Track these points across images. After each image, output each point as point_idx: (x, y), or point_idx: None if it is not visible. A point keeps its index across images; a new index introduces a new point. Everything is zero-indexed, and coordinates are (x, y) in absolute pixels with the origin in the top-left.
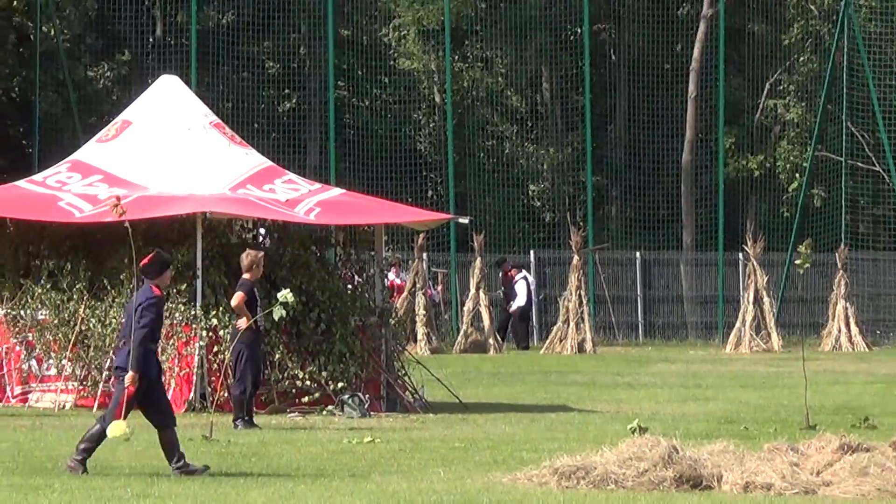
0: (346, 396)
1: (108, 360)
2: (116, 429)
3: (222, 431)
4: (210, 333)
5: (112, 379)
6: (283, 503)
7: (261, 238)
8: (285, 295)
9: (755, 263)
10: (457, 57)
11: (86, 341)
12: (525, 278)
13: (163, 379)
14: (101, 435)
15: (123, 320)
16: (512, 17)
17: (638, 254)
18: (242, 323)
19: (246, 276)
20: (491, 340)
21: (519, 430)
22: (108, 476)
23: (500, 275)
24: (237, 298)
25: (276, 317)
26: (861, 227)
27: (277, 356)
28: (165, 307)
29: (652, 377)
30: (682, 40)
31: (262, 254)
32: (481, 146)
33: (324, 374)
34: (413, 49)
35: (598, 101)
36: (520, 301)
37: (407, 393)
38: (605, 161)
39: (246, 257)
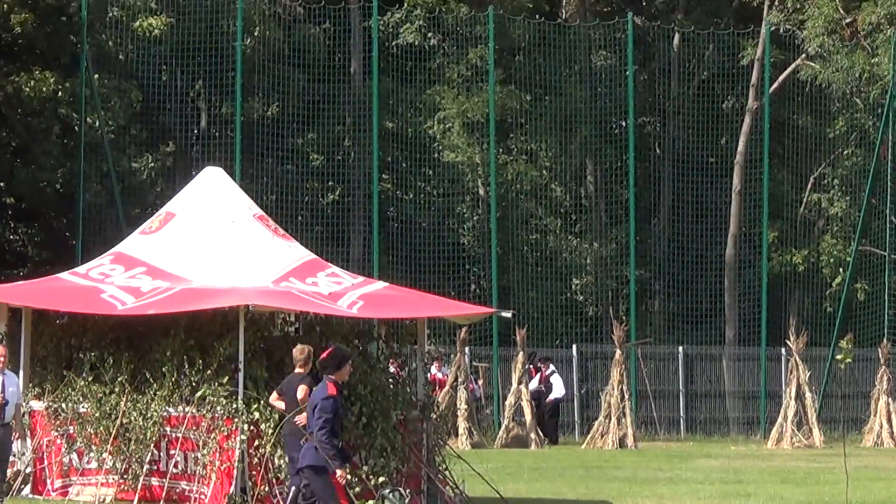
0: (387, 491)
1: (149, 454)
2: None
3: None
4: (251, 427)
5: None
6: None
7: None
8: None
9: (797, 358)
10: (501, 149)
11: (127, 434)
12: (555, 371)
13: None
14: None
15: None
16: (556, 110)
17: (680, 348)
18: (302, 419)
19: (300, 370)
20: (532, 435)
21: None
22: None
23: (531, 368)
24: (303, 391)
25: None
26: None
27: None
28: (207, 400)
29: (693, 472)
30: (727, 134)
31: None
32: (525, 239)
33: (364, 468)
34: (457, 141)
35: (643, 194)
36: (557, 393)
37: (448, 488)
38: (649, 255)
39: (301, 352)
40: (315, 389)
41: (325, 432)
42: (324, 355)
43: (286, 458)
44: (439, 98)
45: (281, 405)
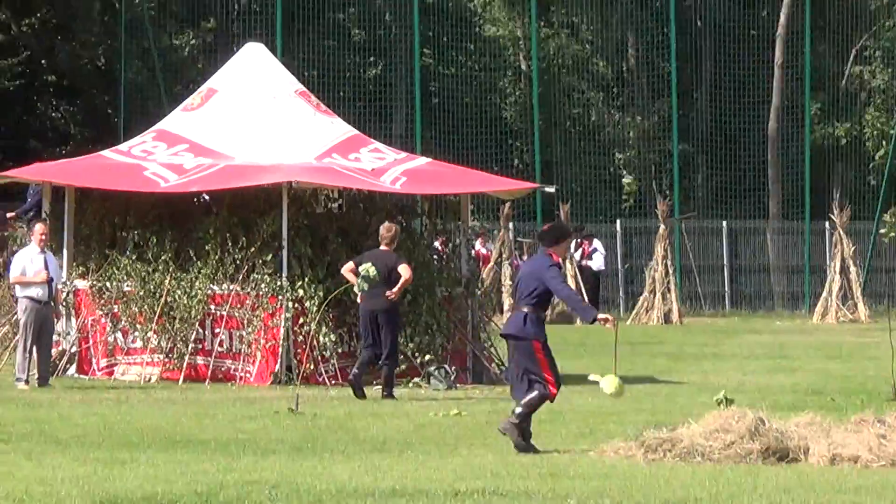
0: (433, 368)
1: (194, 333)
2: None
3: (308, 404)
4: (296, 305)
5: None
6: (369, 476)
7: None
8: (367, 268)
9: (841, 232)
10: (542, 23)
11: (171, 313)
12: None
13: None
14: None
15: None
16: None
17: (724, 223)
18: (393, 293)
19: (386, 247)
20: None
21: (605, 402)
22: (193, 450)
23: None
24: (408, 270)
25: (357, 290)
26: None
27: None
28: (252, 278)
29: (738, 348)
30: (768, 6)
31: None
32: (567, 114)
33: (410, 345)
34: (498, 15)
35: (684, 67)
36: (596, 267)
37: (493, 365)
38: (691, 129)
39: (388, 230)
40: (531, 259)
41: (565, 287)
42: (545, 228)
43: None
44: None
45: (353, 278)
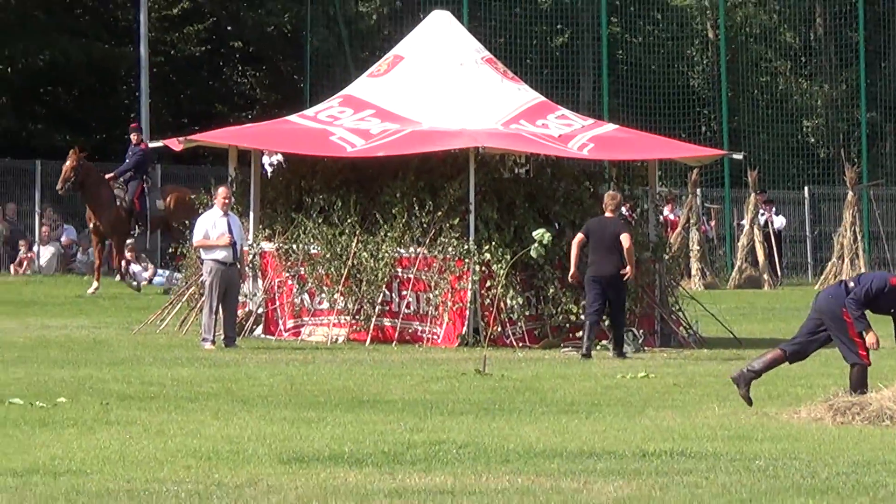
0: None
1: (381, 295)
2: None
3: (496, 366)
4: (483, 268)
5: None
6: (557, 438)
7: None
8: (541, 234)
9: None
10: None
11: (358, 276)
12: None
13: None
14: None
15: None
16: None
17: None
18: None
19: (610, 214)
20: (765, 276)
21: (794, 365)
22: (381, 410)
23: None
24: (629, 240)
25: (533, 254)
26: None
27: (551, 291)
28: (438, 241)
29: None
30: None
31: None
32: (755, 82)
33: None
34: None
35: (872, 37)
36: (781, 223)
37: (681, 328)
38: (880, 97)
39: (612, 198)
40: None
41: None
42: None
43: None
44: None
45: (575, 256)
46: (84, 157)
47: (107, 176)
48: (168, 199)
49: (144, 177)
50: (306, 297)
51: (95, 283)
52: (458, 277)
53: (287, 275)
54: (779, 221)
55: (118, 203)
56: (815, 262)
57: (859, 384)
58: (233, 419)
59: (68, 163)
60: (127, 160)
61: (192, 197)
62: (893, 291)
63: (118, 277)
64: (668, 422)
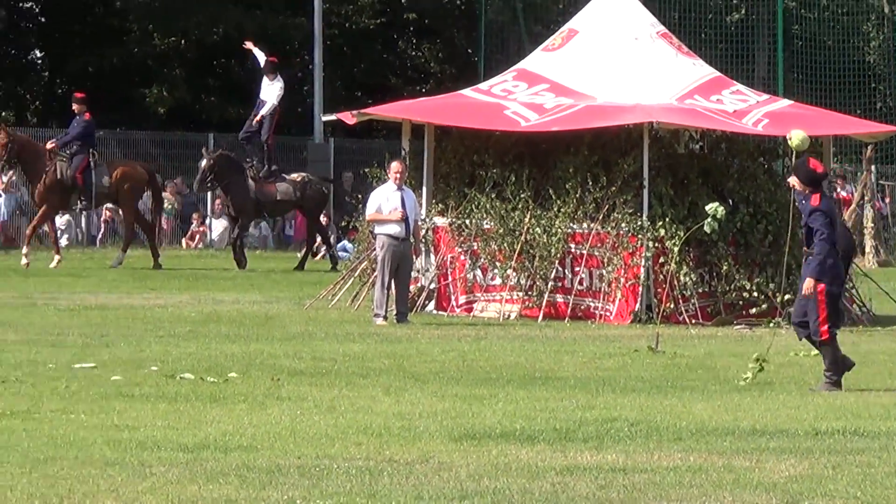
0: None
1: (554, 271)
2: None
3: (668, 343)
4: (656, 244)
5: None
6: (729, 415)
7: None
8: (715, 208)
9: None
10: None
11: (531, 251)
12: None
13: None
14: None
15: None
16: None
17: None
18: None
19: None
20: None
21: None
22: (552, 387)
23: None
24: None
25: (707, 230)
26: None
27: (725, 268)
28: (612, 217)
29: None
30: None
31: None
32: None
33: (771, 285)
34: None
35: None
36: None
37: (854, 306)
38: None
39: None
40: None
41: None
42: None
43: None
44: None
45: None
46: (14, 132)
47: (48, 145)
48: (114, 174)
49: (91, 150)
50: (479, 272)
51: (57, 257)
52: (630, 254)
53: (459, 250)
54: None
55: (57, 176)
56: None
57: None
58: (404, 395)
59: None
60: (69, 131)
61: (143, 171)
62: None
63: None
64: (840, 400)
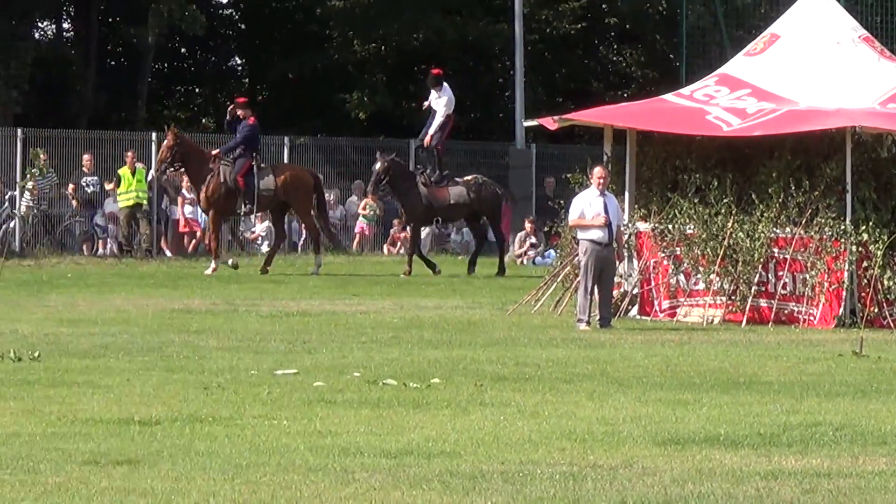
0: None
1: (757, 275)
2: None
3: (872, 347)
4: (860, 249)
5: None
6: None
7: None
8: None
9: None
10: None
11: (734, 256)
12: None
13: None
14: None
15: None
16: None
17: None
18: None
19: None
20: None
21: None
22: (756, 391)
23: None
24: None
25: None
26: None
27: None
28: (815, 221)
29: None
30: None
31: None
32: None
33: None
34: None
35: None
36: None
37: None
38: None
39: None
40: None
41: None
42: None
43: None
44: None
45: None
46: (182, 135)
47: (213, 152)
48: (280, 178)
49: (255, 154)
50: (682, 277)
51: (213, 264)
52: (834, 258)
53: (662, 255)
54: None
55: (221, 180)
56: None
57: None
58: (607, 400)
59: (165, 142)
60: (236, 136)
61: (309, 176)
62: None
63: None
64: None
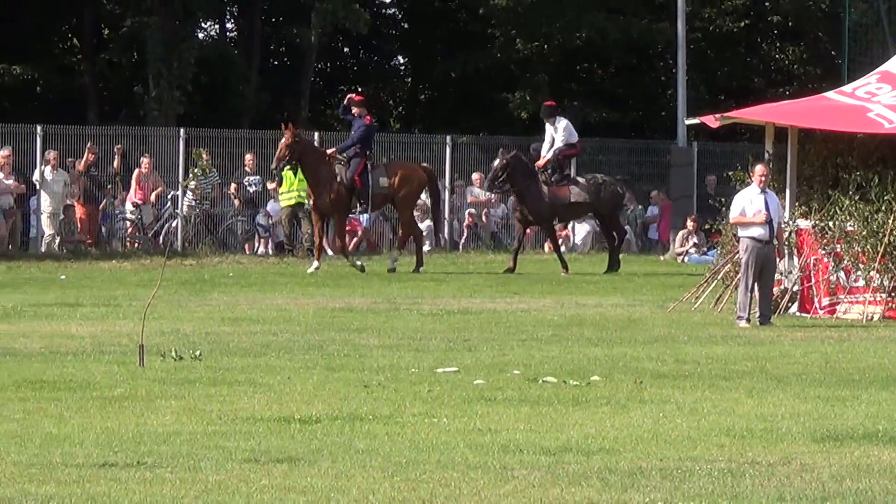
0: None
1: None
2: None
3: None
4: None
5: None
6: None
7: None
8: None
9: None
10: None
11: (894, 253)
12: None
13: None
14: None
15: None
16: None
17: None
18: None
19: None
20: None
21: None
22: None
23: None
24: None
25: None
26: None
27: None
28: None
29: None
30: None
31: None
32: None
33: None
34: None
35: None
36: None
37: None
38: None
39: None
40: None
41: None
42: None
43: None
44: None
45: None
46: (301, 133)
47: (329, 151)
48: (394, 176)
49: (368, 153)
50: (842, 274)
51: (316, 263)
52: None
53: (822, 252)
54: None
55: (338, 180)
56: None
57: None
58: (767, 397)
59: (283, 140)
60: (352, 134)
61: (422, 173)
62: None
63: (333, 257)
64: None
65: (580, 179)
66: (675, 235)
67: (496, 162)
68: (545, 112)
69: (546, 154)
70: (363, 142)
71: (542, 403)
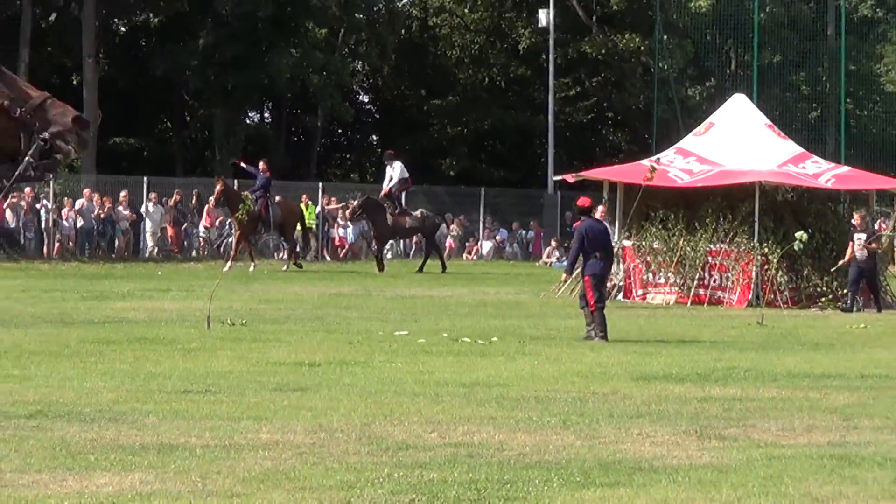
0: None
1: (697, 274)
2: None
3: (770, 319)
4: (762, 257)
5: None
6: (807, 365)
7: None
8: (801, 235)
9: None
10: None
11: (682, 261)
12: None
13: None
14: None
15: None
16: None
17: None
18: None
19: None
20: None
21: None
22: (697, 346)
23: None
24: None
25: (796, 248)
26: None
27: (806, 272)
28: (734, 240)
29: None
30: None
31: None
32: None
33: (834, 283)
34: None
35: None
36: None
37: (887, 297)
38: None
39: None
40: None
41: None
42: None
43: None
44: None
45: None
46: (227, 183)
47: (243, 193)
48: (281, 211)
49: (268, 195)
50: (650, 275)
51: (230, 264)
52: (746, 263)
53: (638, 261)
54: None
55: (253, 208)
56: None
57: None
58: (602, 352)
59: (217, 188)
60: (257, 182)
61: (297, 208)
62: None
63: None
64: (878, 355)
65: (413, 213)
66: (545, 249)
67: (356, 202)
68: (387, 157)
69: (385, 188)
70: (264, 188)
71: (461, 355)
